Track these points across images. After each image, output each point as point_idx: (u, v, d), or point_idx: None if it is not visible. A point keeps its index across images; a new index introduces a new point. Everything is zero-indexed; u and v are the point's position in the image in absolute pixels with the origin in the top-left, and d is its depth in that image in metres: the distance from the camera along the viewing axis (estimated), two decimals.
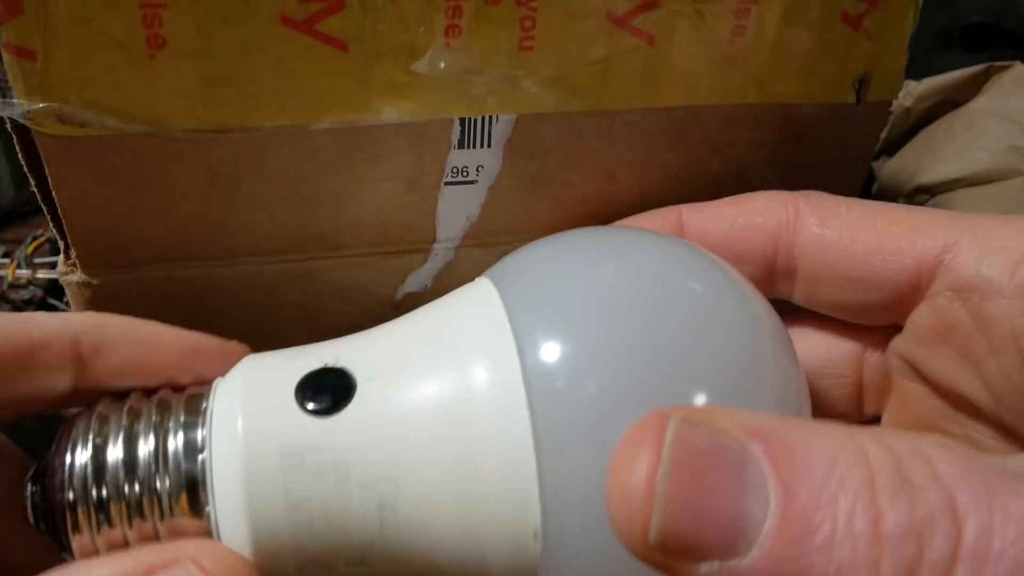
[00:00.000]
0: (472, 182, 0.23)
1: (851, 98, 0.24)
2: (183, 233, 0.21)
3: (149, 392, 0.18)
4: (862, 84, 0.24)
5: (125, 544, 0.16)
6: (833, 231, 0.19)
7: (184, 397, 0.17)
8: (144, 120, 0.19)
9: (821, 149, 0.25)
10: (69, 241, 0.21)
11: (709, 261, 0.19)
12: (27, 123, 0.18)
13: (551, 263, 0.19)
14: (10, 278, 0.35)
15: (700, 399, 0.16)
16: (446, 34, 0.20)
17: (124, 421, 0.17)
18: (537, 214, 0.24)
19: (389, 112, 0.20)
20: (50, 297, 0.36)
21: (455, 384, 0.16)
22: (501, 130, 0.22)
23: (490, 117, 0.21)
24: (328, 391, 0.16)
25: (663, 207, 0.22)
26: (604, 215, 0.24)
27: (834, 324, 0.21)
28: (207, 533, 0.16)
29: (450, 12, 0.20)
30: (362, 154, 0.21)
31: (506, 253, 0.24)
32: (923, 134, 0.44)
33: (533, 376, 0.16)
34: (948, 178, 0.42)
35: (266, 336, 0.24)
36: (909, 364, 0.20)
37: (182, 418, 0.17)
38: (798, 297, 0.21)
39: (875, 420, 0.22)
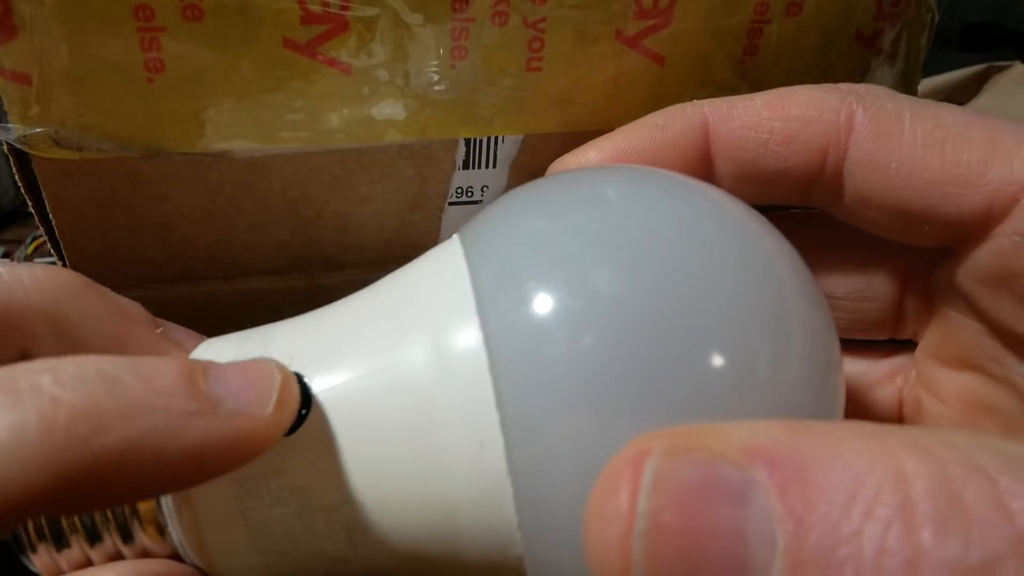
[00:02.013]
0: (477, 202, 0.22)
1: None
2: (183, 253, 0.21)
3: None
4: None
5: (88, 562, 0.15)
6: (892, 154, 0.16)
7: None
8: (143, 144, 0.19)
9: None
10: (67, 262, 0.21)
11: (712, 195, 0.16)
12: (23, 147, 0.18)
13: (525, 204, 0.16)
14: None
15: (715, 357, 0.13)
16: (452, 56, 0.19)
17: None
18: None
19: (393, 134, 0.20)
20: None
21: (415, 373, 0.14)
22: (507, 150, 0.21)
23: (496, 138, 0.21)
24: None
25: (683, 103, 0.18)
26: None
27: (876, 240, 0.18)
28: (176, 553, 0.15)
29: (456, 33, 0.19)
30: (365, 175, 0.21)
31: None
32: None
33: (498, 344, 0.13)
34: None
35: None
36: (962, 296, 0.17)
37: None
38: (838, 213, 0.18)
39: (910, 344, 0.20)
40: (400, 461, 0.14)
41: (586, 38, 0.20)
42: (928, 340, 0.19)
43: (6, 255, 0.37)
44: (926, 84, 0.40)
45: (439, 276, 0.15)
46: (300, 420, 0.14)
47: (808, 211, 0.19)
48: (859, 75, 0.23)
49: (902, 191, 0.16)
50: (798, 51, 0.22)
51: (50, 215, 0.19)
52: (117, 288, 0.22)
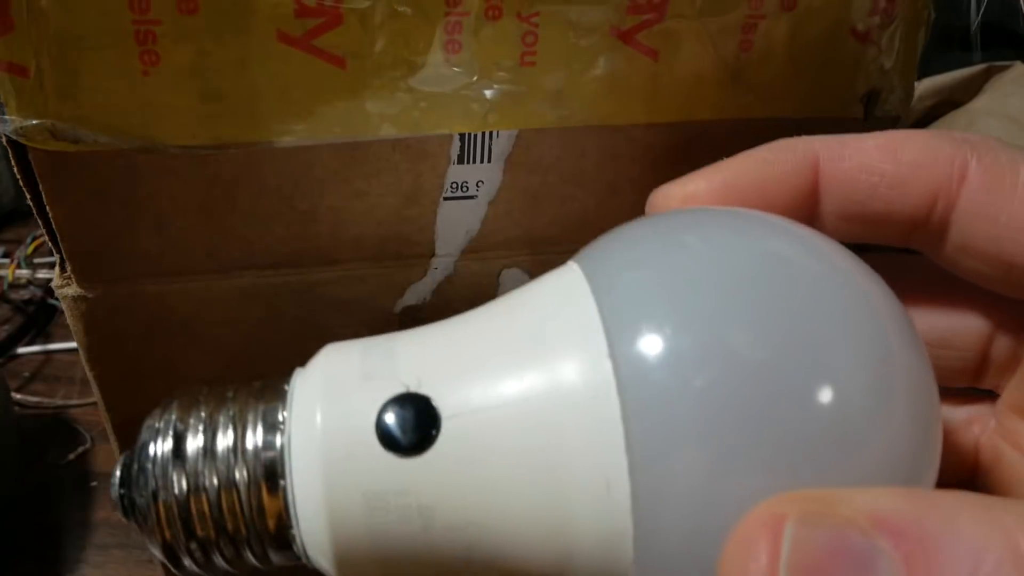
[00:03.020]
0: (472, 197, 0.22)
1: (859, 113, 0.23)
2: (179, 247, 0.21)
3: (219, 390, 0.17)
4: (870, 99, 0.23)
5: (213, 546, 0.16)
6: (1002, 207, 0.16)
7: (261, 409, 0.16)
8: (138, 137, 0.19)
9: None
10: (64, 255, 0.21)
11: (826, 243, 0.16)
12: (20, 139, 0.18)
13: (650, 244, 0.16)
14: (10, 278, 0.36)
15: (825, 400, 0.14)
16: (446, 49, 0.19)
17: (203, 424, 0.16)
18: (537, 228, 0.24)
19: (388, 128, 0.20)
20: (50, 297, 0.36)
21: (543, 405, 0.15)
22: (502, 145, 0.21)
23: (491, 132, 0.21)
24: (411, 427, 0.15)
25: (792, 138, 0.18)
26: (606, 229, 0.24)
27: (967, 289, 0.18)
28: (295, 555, 0.16)
29: (450, 27, 0.19)
30: (360, 169, 0.21)
31: (507, 267, 0.24)
32: None
33: (627, 379, 0.14)
34: None
35: (264, 348, 0.24)
36: None
37: (259, 441, 0.16)
38: (936, 257, 0.18)
39: (990, 395, 0.20)
40: (525, 487, 0.15)
41: (579, 32, 0.20)
42: (1011, 393, 0.19)
43: (6, 255, 0.37)
44: (926, 84, 0.40)
45: (567, 308, 0.16)
46: (428, 441, 0.15)
47: (899, 253, 0.19)
48: (854, 71, 0.23)
49: (1009, 244, 0.16)
50: (793, 47, 0.22)
51: (47, 207, 0.20)
52: (113, 284, 0.22)
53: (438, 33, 0.19)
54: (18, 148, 0.19)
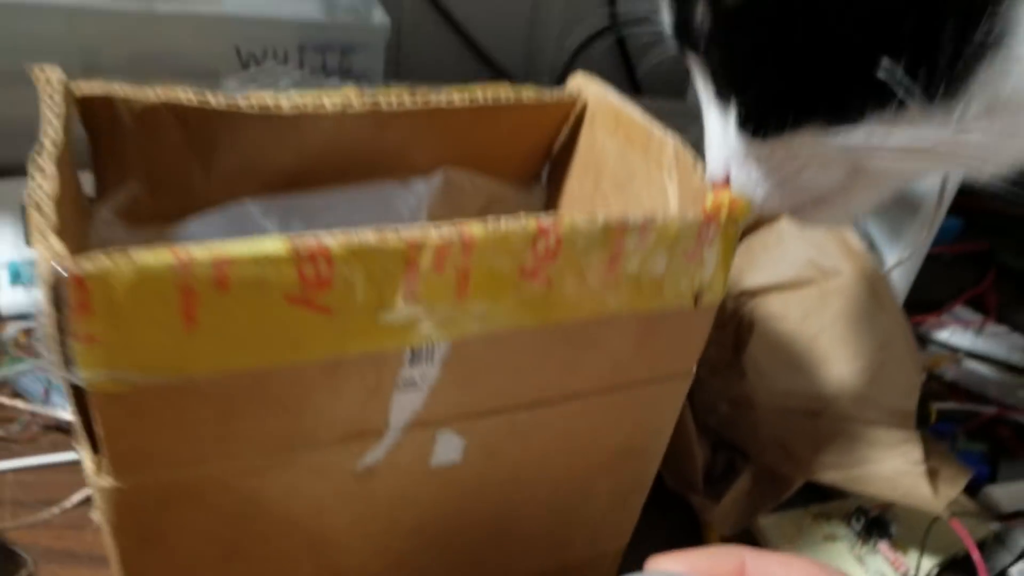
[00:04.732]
0: (419, 388, 0.30)
1: (691, 305, 0.33)
2: (196, 442, 0.27)
3: None
4: (698, 295, 0.33)
5: None
6: None
7: None
8: (178, 375, 0.25)
9: (670, 337, 0.34)
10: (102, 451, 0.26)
11: None
12: (87, 387, 0.24)
13: None
14: None
15: None
16: (404, 296, 0.27)
17: None
18: (466, 404, 0.31)
19: (360, 349, 0.27)
20: None
21: None
22: (442, 351, 0.29)
23: (435, 344, 0.29)
24: None
25: (728, 547, 0.29)
26: (521, 397, 0.32)
27: None
28: None
29: (409, 280, 0.27)
30: (339, 378, 0.28)
31: (440, 431, 0.31)
32: (744, 244, 0.55)
33: None
34: (764, 284, 0.53)
35: (251, 540, 0.30)
36: None
37: None
38: None
39: None
40: None
41: (497, 274, 0.28)
42: None
43: None
44: None
45: None
46: None
47: None
48: (688, 280, 0.32)
49: None
50: (643, 270, 0.31)
51: (94, 425, 0.25)
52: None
53: (400, 284, 0.26)
54: (76, 387, 0.24)
